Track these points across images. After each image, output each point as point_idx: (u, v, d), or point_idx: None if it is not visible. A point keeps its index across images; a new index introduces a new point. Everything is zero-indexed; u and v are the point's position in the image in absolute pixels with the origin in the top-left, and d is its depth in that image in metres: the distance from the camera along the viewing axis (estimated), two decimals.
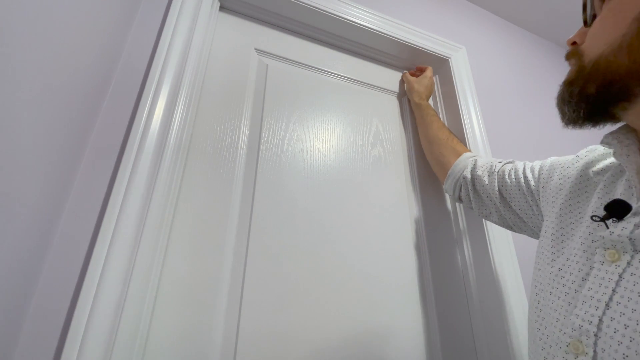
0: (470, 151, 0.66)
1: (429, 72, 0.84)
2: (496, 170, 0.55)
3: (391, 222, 0.70)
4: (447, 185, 0.64)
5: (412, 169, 0.79)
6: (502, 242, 0.70)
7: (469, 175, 0.58)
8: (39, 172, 0.37)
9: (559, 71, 1.26)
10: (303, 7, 0.74)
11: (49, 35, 0.35)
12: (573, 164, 0.42)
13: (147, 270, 0.43)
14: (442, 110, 0.89)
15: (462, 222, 0.75)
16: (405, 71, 0.90)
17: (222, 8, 0.72)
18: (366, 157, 0.74)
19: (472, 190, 0.58)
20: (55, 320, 0.39)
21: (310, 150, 0.68)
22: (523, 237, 0.74)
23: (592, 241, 0.31)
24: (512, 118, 0.99)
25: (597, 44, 0.31)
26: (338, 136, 0.73)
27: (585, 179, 0.39)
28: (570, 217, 0.37)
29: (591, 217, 0.32)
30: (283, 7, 0.74)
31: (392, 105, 0.86)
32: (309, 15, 0.76)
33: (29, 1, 0.32)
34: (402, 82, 0.90)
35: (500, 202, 0.52)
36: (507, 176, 0.52)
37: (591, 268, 0.30)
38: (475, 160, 0.60)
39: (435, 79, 0.94)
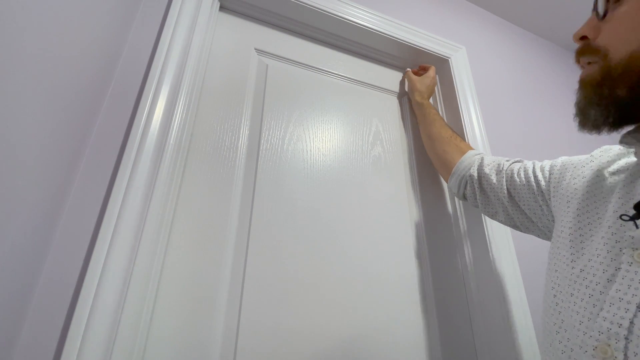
0: (474, 149, 0.65)
1: (431, 71, 0.84)
2: (504, 168, 0.54)
3: (391, 221, 0.70)
4: (452, 183, 0.63)
5: (412, 169, 0.79)
6: (502, 241, 0.70)
7: (475, 174, 0.58)
8: (39, 172, 0.37)
9: (559, 71, 1.26)
10: (303, 7, 0.74)
11: (48, 35, 0.35)
12: (587, 164, 0.41)
13: (147, 270, 0.43)
14: (442, 110, 0.89)
15: (462, 222, 0.75)
16: (408, 69, 0.89)
17: (222, 8, 0.72)
18: (366, 157, 0.74)
19: (478, 188, 0.57)
20: (55, 320, 0.39)
21: (310, 150, 0.68)
22: (523, 238, 0.74)
23: (617, 241, 0.30)
24: (511, 118, 0.99)
25: (626, 40, 0.29)
26: (338, 136, 0.73)
27: (601, 179, 0.38)
28: (588, 218, 0.36)
29: (620, 217, 0.31)
30: (283, 7, 0.74)
31: (392, 105, 0.86)
32: (309, 15, 0.76)
33: (29, 1, 0.32)
34: (402, 81, 0.90)
35: (509, 202, 0.52)
36: (516, 175, 0.51)
37: (617, 269, 0.29)
38: (482, 158, 0.59)
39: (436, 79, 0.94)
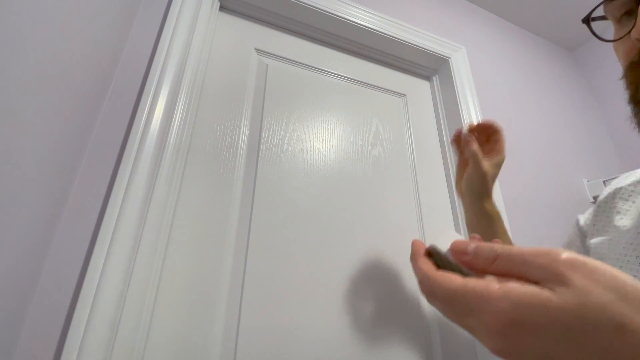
0: None
1: (501, 146, 0.50)
2: None
3: (391, 221, 0.70)
4: None
5: (412, 169, 0.79)
6: None
7: None
8: (39, 171, 0.37)
9: (559, 71, 1.26)
10: (303, 7, 0.74)
11: (49, 35, 0.35)
12: (610, 191, 0.43)
13: (147, 269, 0.43)
14: (442, 110, 0.89)
15: (462, 221, 0.75)
16: (470, 140, 0.48)
17: (222, 8, 0.72)
18: (366, 157, 0.74)
19: None
20: (56, 320, 0.39)
21: (310, 150, 0.68)
22: (524, 234, 0.74)
23: None
24: (511, 118, 0.99)
25: None
26: (338, 136, 0.73)
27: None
28: None
29: None
30: (283, 7, 0.74)
31: (392, 105, 0.86)
32: (308, 15, 0.76)
33: (30, 2, 0.32)
34: (457, 144, 0.53)
35: None
36: None
37: None
38: None
39: (435, 79, 0.93)
